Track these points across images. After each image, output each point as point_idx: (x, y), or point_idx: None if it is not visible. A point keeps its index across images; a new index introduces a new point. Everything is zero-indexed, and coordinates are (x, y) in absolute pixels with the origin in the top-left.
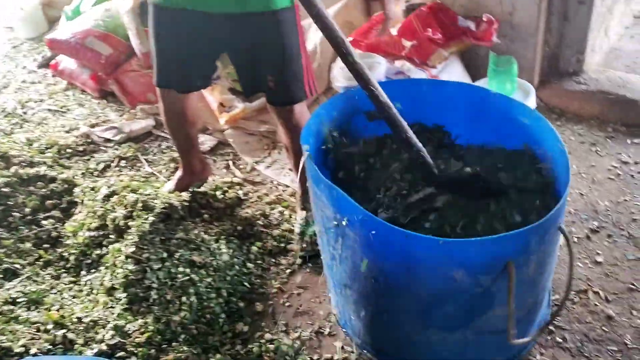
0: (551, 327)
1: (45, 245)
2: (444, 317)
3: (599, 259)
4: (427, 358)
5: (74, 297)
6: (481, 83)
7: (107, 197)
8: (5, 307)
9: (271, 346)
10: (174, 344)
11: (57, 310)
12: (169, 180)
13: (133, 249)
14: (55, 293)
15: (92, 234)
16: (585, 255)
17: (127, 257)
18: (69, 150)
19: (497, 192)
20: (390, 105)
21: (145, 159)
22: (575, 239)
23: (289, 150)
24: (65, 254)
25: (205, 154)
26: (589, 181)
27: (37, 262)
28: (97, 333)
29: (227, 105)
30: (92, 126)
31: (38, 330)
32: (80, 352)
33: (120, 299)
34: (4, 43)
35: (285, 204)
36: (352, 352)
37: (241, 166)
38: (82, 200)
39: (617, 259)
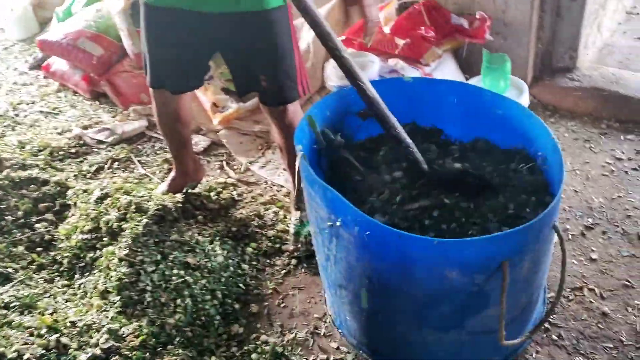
0: (547, 325)
1: (39, 249)
2: (439, 317)
3: (594, 255)
4: (422, 358)
5: (67, 300)
6: (475, 81)
7: (100, 200)
8: None
9: (267, 348)
10: (168, 347)
11: (51, 314)
12: (162, 181)
13: (127, 251)
14: (48, 297)
15: (86, 237)
16: (580, 252)
17: (120, 260)
18: (61, 153)
19: (491, 190)
20: (378, 101)
21: (138, 161)
22: (570, 236)
23: (283, 150)
24: (59, 258)
25: (199, 155)
26: (583, 178)
27: (30, 266)
28: (91, 337)
29: (221, 106)
30: (85, 128)
31: (31, 335)
32: (74, 357)
33: (114, 302)
34: None
35: (279, 204)
36: (348, 352)
37: (235, 167)
38: (75, 203)
39: (612, 255)
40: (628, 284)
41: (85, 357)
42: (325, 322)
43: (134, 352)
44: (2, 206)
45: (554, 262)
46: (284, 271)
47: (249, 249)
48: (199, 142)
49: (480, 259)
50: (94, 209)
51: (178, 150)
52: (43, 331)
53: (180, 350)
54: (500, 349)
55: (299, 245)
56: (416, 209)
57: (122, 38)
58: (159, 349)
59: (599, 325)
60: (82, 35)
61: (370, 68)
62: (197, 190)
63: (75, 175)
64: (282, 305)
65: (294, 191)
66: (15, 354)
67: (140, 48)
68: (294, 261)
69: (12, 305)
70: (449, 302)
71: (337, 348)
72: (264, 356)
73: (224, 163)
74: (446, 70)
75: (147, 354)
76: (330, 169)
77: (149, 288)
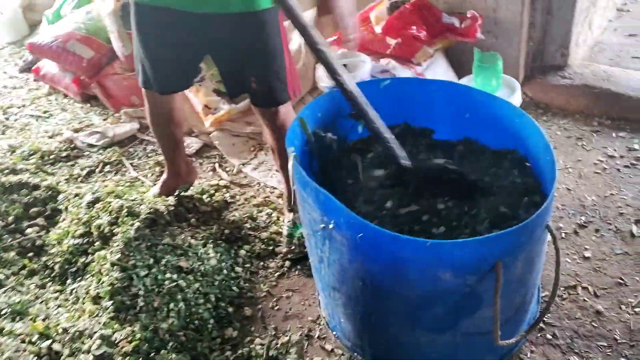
0: (541, 325)
1: (30, 254)
2: (433, 319)
3: (587, 254)
4: (417, 359)
5: (59, 306)
6: (466, 80)
7: (92, 204)
8: None
9: (261, 351)
10: (162, 352)
11: (43, 320)
12: (154, 184)
13: (119, 256)
14: (40, 303)
15: (77, 241)
16: (574, 250)
17: (112, 264)
18: (52, 157)
19: (479, 190)
20: (356, 95)
21: (130, 163)
22: (564, 235)
23: (275, 151)
24: (50, 263)
25: (191, 157)
26: (576, 176)
27: (21, 272)
28: (83, 343)
29: (212, 107)
30: (76, 131)
31: (23, 341)
32: None
33: (107, 308)
34: None
35: (272, 206)
36: (343, 355)
37: (227, 168)
38: (67, 207)
39: (605, 253)
40: (621, 281)
41: None
42: (319, 324)
43: (127, 358)
44: None
45: (547, 260)
46: (277, 273)
47: (242, 252)
48: (191, 144)
49: (473, 260)
50: (86, 213)
51: (171, 152)
52: (35, 338)
53: (173, 355)
54: (495, 349)
55: (293, 247)
56: (406, 214)
57: (112, 40)
58: (152, 354)
59: (593, 323)
60: (72, 38)
61: (362, 68)
62: (189, 192)
63: (66, 179)
64: (276, 308)
65: (287, 193)
66: None
67: (131, 50)
68: (287, 263)
69: (3, 312)
70: (443, 304)
71: (332, 350)
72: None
73: (216, 165)
74: (438, 69)
75: (140, 359)
76: (322, 171)
77: (141, 293)
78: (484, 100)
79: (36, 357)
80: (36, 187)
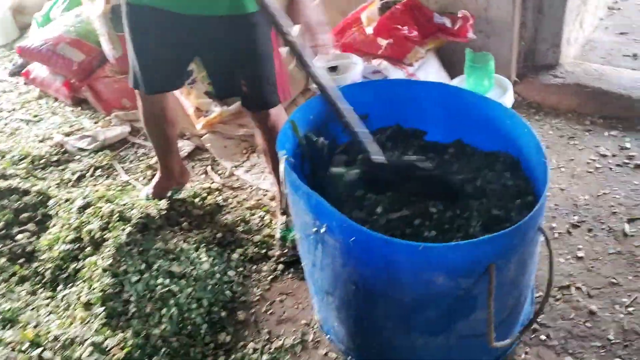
0: (535, 325)
1: (20, 261)
2: (426, 322)
3: (581, 254)
4: None
5: (50, 313)
6: (459, 80)
7: (83, 209)
8: None
9: (254, 356)
10: (154, 358)
11: (34, 327)
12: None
13: (110, 261)
14: (31, 310)
15: (68, 247)
16: (567, 250)
17: (104, 270)
18: (42, 161)
19: (459, 189)
20: (325, 87)
21: (121, 167)
22: (557, 235)
23: (267, 153)
24: (41, 269)
25: (183, 160)
26: (569, 175)
27: (12, 279)
28: (74, 351)
29: (204, 110)
30: (67, 135)
31: (13, 350)
32: None
33: (98, 314)
34: None
35: (265, 208)
36: (337, 358)
37: (220, 171)
38: (57, 213)
39: (599, 253)
40: (615, 281)
41: None
42: (313, 328)
43: None
44: None
45: (541, 260)
46: (270, 277)
47: (235, 255)
48: (183, 147)
49: (466, 263)
50: (76, 219)
51: (164, 152)
52: (25, 346)
53: None
54: (489, 350)
55: (285, 250)
56: (397, 219)
57: (102, 43)
58: None
59: (586, 324)
60: (62, 41)
61: (353, 69)
62: (181, 196)
63: (57, 184)
64: (269, 312)
65: (280, 195)
66: None
67: (121, 52)
68: (280, 266)
69: None
70: (436, 307)
71: (326, 354)
72: None
73: (208, 168)
74: (430, 69)
75: None
76: (314, 174)
77: (133, 298)
78: (475, 101)
79: None
80: (26, 192)
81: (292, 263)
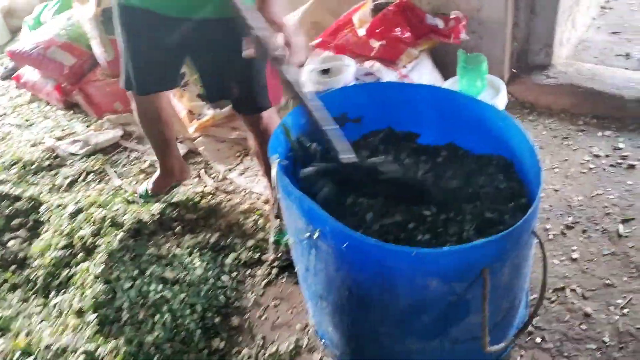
0: (530, 328)
1: (12, 268)
2: (421, 327)
3: (575, 255)
4: None
5: (42, 320)
6: (451, 81)
7: (74, 214)
8: None
9: None
10: None
11: (26, 335)
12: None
13: (102, 268)
14: (23, 318)
15: (60, 253)
16: (562, 252)
17: (95, 277)
18: (34, 166)
19: (427, 191)
20: (290, 82)
21: (113, 172)
22: (551, 236)
23: (259, 156)
24: (33, 276)
25: None
26: (562, 176)
27: (3, 286)
28: (66, 359)
29: (196, 113)
30: (59, 139)
31: (5, 359)
32: None
33: (91, 322)
34: None
35: (259, 212)
36: None
37: (213, 175)
38: (49, 218)
39: (593, 254)
40: (609, 282)
41: None
42: (307, 333)
43: None
44: None
45: (536, 262)
46: (264, 281)
47: (229, 260)
48: None
49: (460, 267)
50: (68, 224)
51: (162, 151)
52: (17, 355)
53: None
54: (484, 355)
55: (280, 254)
56: (389, 225)
57: (93, 46)
58: None
59: (581, 326)
60: (53, 45)
61: (346, 71)
62: (174, 200)
63: (48, 190)
64: (263, 317)
65: (273, 198)
66: None
67: (112, 55)
68: (274, 271)
69: None
70: (431, 312)
71: (321, 359)
72: None
73: (202, 171)
74: (423, 71)
75: None
76: (313, 177)
77: (125, 305)
78: (467, 103)
79: None
80: (18, 198)
81: (286, 267)
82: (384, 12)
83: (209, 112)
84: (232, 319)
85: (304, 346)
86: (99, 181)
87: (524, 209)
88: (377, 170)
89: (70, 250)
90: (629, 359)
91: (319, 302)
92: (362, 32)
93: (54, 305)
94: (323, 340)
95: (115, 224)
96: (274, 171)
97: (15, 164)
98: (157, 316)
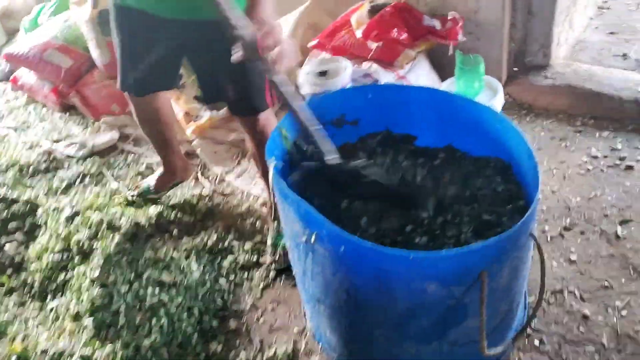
0: (529, 331)
1: (9, 271)
2: (419, 330)
3: (573, 257)
4: None
5: (39, 324)
6: (449, 83)
7: (71, 218)
8: None
9: None
10: None
11: (22, 340)
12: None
13: (99, 271)
14: (19, 322)
15: (56, 257)
16: (560, 253)
17: (92, 281)
18: (31, 169)
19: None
20: (278, 84)
21: (110, 174)
22: (549, 238)
23: (256, 158)
24: (30, 280)
25: None
26: (560, 177)
27: None
28: None
29: (193, 115)
30: (56, 141)
31: None
32: None
33: (87, 326)
34: None
35: (256, 215)
36: None
37: (210, 177)
38: (46, 222)
39: (591, 256)
40: (607, 284)
41: None
42: (305, 336)
43: None
44: None
45: (534, 264)
46: (262, 284)
47: (226, 263)
48: None
49: (458, 271)
50: (65, 228)
51: (163, 151)
52: None
53: None
54: (483, 358)
55: (277, 257)
56: (386, 228)
57: (90, 48)
58: None
59: (580, 328)
60: (50, 47)
61: (343, 73)
62: (171, 202)
63: (45, 193)
64: (261, 320)
65: (270, 201)
66: None
67: (109, 58)
68: (272, 273)
69: None
70: (428, 315)
71: None
72: None
73: (199, 174)
74: (420, 72)
75: None
76: (303, 181)
77: (122, 309)
78: (465, 106)
79: None
80: (14, 201)
81: (284, 270)
82: (381, 14)
83: (206, 114)
84: (230, 322)
85: (301, 349)
86: (96, 184)
87: (521, 211)
88: (360, 173)
89: (67, 254)
90: None
91: (316, 305)
92: (359, 33)
93: (51, 309)
94: (320, 344)
95: (112, 227)
96: (270, 174)
97: (11, 166)
98: (154, 320)
